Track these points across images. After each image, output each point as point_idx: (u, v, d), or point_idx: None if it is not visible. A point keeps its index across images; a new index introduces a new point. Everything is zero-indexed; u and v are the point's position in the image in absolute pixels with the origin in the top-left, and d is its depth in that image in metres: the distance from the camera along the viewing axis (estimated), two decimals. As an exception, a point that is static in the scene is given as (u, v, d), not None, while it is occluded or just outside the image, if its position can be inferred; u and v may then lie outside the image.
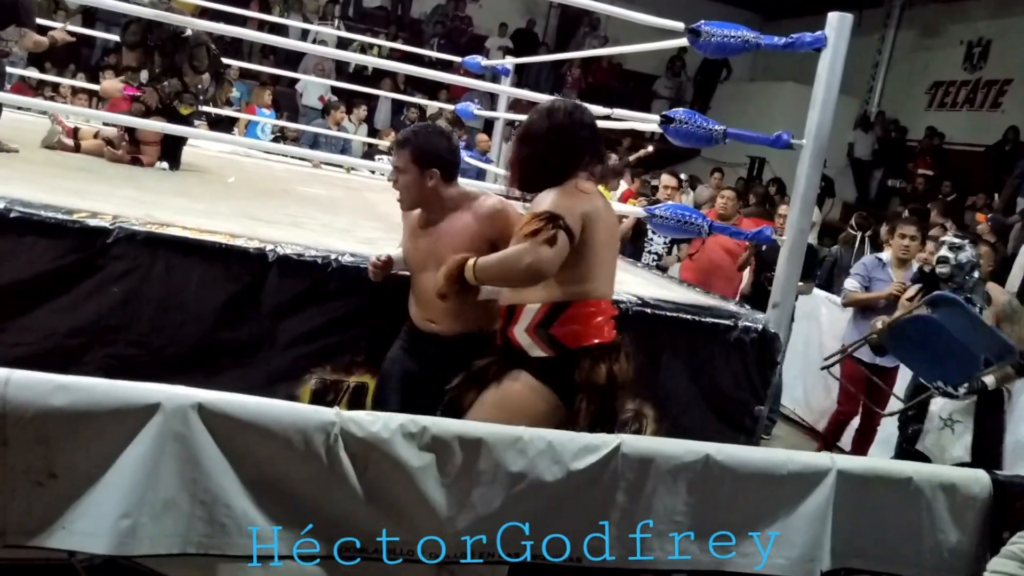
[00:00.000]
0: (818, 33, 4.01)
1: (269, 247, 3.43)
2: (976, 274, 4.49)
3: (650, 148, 11.05)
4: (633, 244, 7.11)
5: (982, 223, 8.61)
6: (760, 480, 2.27)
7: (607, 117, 4.43)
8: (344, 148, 9.91)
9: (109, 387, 1.79)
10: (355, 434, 1.93)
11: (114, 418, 1.77)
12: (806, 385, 7.02)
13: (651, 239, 7.14)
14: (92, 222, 3.22)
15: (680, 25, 4.15)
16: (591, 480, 2.12)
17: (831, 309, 6.78)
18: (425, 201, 3.15)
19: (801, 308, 6.33)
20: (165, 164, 5.43)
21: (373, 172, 7.62)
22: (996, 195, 11.46)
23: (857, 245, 8.04)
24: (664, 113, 4.12)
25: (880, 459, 2.60)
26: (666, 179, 7.40)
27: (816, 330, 6.99)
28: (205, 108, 5.80)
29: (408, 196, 3.17)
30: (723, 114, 16.05)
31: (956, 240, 4.59)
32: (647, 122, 4.30)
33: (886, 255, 5.79)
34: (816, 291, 6.88)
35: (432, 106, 10.95)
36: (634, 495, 2.16)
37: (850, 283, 5.72)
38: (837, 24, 4.01)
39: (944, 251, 4.52)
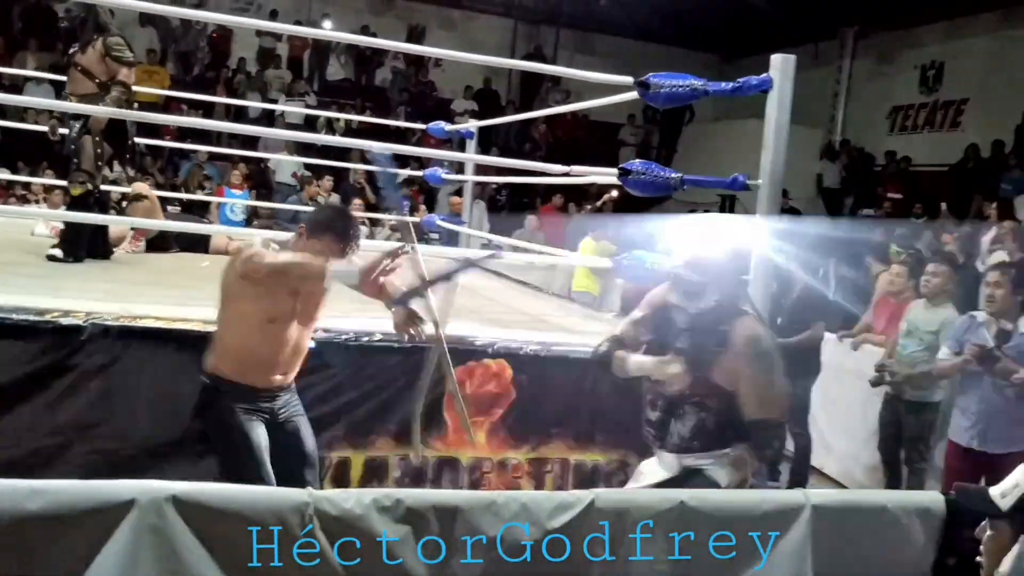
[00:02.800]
0: (763, 76, 4.11)
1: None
2: None
3: (614, 193, 11.15)
4: None
5: (949, 243, 8.72)
6: (737, 522, 2.30)
7: (565, 174, 4.52)
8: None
9: (83, 487, 1.82)
10: (329, 512, 1.96)
11: (90, 517, 1.80)
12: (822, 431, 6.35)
13: None
14: (65, 320, 3.26)
15: (629, 80, 4.26)
16: (568, 537, 2.14)
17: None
18: None
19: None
20: (59, 252, 5.00)
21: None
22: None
23: None
24: (621, 166, 4.20)
25: (855, 490, 2.63)
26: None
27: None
28: (175, 194, 5.82)
29: None
30: (691, 155, 16.30)
31: None
32: (606, 175, 4.38)
33: (981, 314, 4.54)
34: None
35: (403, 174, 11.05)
36: (613, 548, 2.18)
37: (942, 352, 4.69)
38: (781, 65, 4.12)
39: None
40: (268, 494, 1.97)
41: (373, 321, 3.98)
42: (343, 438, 3.61)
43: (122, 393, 3.33)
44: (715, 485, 2.82)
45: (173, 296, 4.24)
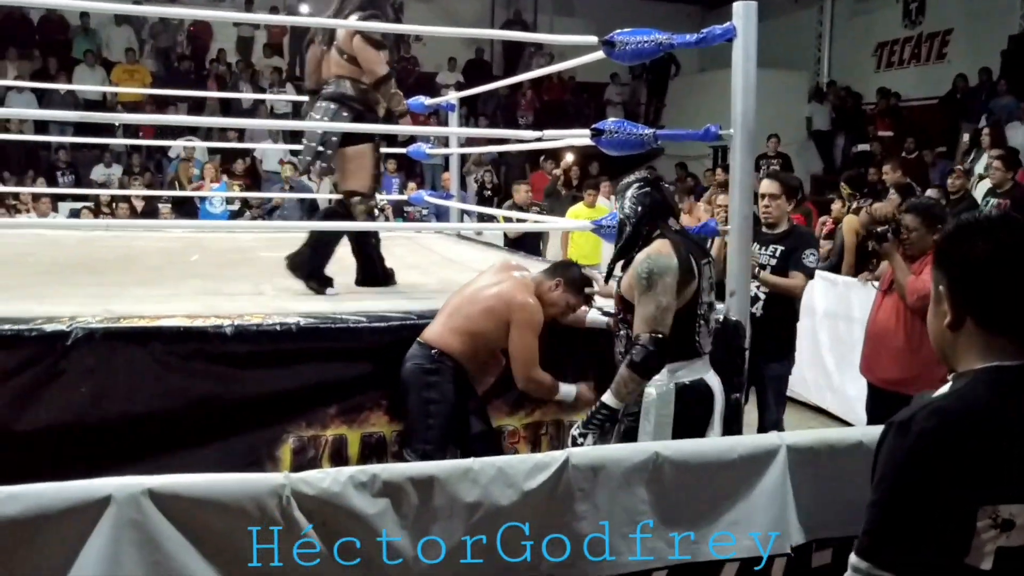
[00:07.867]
0: (727, 24, 4.09)
1: (226, 322, 3.50)
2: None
3: (569, 158, 11.19)
4: None
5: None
6: (713, 468, 2.33)
7: (538, 139, 4.53)
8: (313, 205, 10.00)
9: (59, 488, 1.86)
10: (306, 492, 1.99)
11: (68, 517, 1.84)
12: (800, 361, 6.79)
13: None
14: (49, 327, 3.29)
15: (593, 39, 4.25)
16: (546, 497, 2.17)
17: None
18: None
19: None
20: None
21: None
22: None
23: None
24: (593, 127, 4.20)
25: (829, 429, 2.66)
26: (766, 185, 5.25)
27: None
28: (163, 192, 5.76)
29: None
30: (679, 108, 16.23)
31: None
32: (579, 137, 4.37)
33: None
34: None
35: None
36: (592, 503, 2.22)
37: None
38: (744, 12, 4.10)
39: None
40: (244, 480, 2.00)
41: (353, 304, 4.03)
42: (337, 416, 3.65)
43: (114, 394, 3.36)
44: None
45: (160, 294, 4.28)
